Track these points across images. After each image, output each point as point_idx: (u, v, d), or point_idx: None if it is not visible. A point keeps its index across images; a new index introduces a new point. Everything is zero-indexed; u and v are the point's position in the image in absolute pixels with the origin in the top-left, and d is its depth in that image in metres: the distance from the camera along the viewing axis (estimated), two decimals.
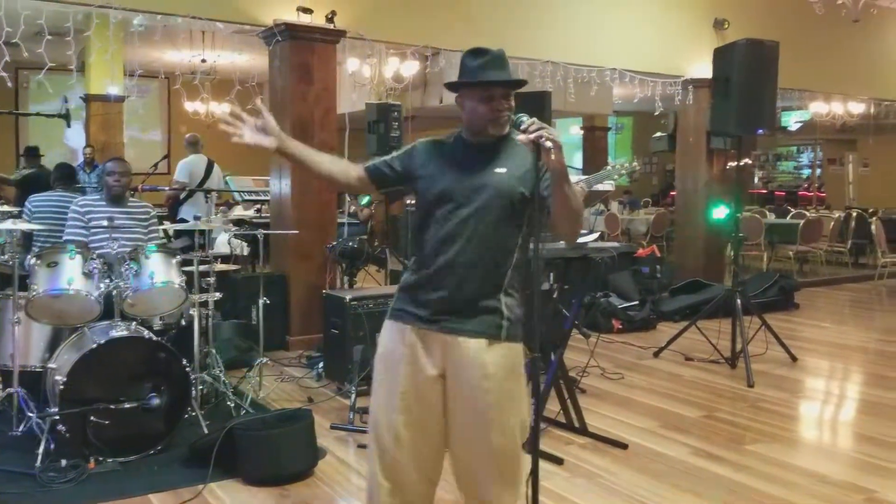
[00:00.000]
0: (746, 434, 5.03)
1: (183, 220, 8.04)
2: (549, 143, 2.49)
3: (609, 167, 4.98)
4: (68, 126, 7.85)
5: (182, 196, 9.13)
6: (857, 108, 14.06)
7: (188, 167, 9.28)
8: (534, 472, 2.62)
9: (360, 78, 8.90)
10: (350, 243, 6.71)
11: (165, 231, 6.06)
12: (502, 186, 2.68)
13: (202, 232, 5.41)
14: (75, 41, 6.71)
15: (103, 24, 7.00)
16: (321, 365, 6.27)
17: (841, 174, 21.34)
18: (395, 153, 2.89)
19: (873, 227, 11.59)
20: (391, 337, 2.79)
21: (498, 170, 2.71)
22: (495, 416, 2.66)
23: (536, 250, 2.59)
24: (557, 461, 4.42)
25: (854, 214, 13.67)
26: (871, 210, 15.15)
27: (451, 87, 2.78)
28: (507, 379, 2.68)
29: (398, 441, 2.72)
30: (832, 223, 12.99)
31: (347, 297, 5.79)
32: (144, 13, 6.82)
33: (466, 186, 2.70)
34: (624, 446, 4.71)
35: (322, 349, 6.44)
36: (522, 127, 2.57)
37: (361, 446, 4.69)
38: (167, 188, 9.39)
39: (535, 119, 2.57)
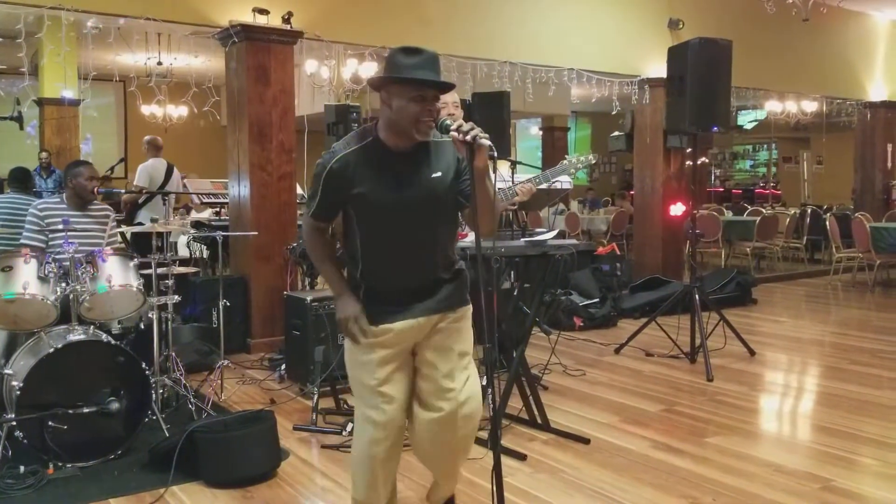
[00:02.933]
0: (706, 427, 5.08)
1: (141, 224, 7.95)
2: (485, 142, 2.55)
3: (565, 161, 4.96)
4: (21, 129, 7.74)
5: (140, 200, 9.02)
6: (809, 106, 14.28)
7: (148, 171, 9.12)
8: (496, 469, 2.63)
9: (319, 79, 8.86)
10: None
11: (123, 234, 5.99)
12: (443, 191, 2.73)
13: (160, 235, 5.35)
14: (27, 44, 6.60)
15: (55, 25, 6.89)
16: (283, 367, 6.25)
17: (796, 172, 21.64)
18: (316, 191, 2.88)
19: (828, 223, 11.77)
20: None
21: (434, 175, 2.76)
22: None
23: (479, 250, 2.61)
24: (520, 457, 4.45)
25: (809, 211, 13.89)
26: (825, 207, 15.40)
27: (381, 81, 2.74)
28: None
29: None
30: (788, 220, 13.18)
31: (308, 299, 5.77)
32: (98, 14, 6.74)
33: (411, 196, 2.74)
34: (586, 441, 4.74)
35: (284, 351, 6.41)
36: (453, 128, 2.61)
37: (325, 447, 4.69)
38: (123, 191, 9.27)
39: (461, 120, 2.65)
